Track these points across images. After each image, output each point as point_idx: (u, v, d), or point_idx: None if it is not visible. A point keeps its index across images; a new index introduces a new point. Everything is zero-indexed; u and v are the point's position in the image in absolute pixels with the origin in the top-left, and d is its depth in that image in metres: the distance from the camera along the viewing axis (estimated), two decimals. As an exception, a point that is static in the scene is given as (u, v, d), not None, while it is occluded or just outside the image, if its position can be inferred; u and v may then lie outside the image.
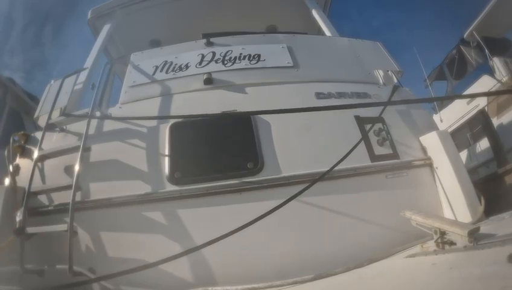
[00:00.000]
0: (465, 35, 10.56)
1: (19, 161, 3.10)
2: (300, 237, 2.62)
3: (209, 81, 3.40)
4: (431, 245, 2.12)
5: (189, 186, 2.76)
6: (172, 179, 2.82)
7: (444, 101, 10.45)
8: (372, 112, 3.05)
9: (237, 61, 3.60)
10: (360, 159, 2.86)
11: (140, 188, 2.80)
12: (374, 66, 3.77)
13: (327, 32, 4.58)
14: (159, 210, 2.73)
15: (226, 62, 3.60)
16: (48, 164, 3.06)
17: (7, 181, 2.87)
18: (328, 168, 2.51)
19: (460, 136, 8.92)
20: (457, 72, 11.06)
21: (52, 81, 3.86)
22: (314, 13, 4.97)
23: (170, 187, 2.79)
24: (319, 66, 3.67)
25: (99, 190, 2.84)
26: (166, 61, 3.72)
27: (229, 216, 2.55)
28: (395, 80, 3.71)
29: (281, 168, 2.81)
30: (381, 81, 3.64)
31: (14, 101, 6.90)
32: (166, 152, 2.96)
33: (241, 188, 2.72)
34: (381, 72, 3.71)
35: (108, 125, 3.23)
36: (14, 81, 7.27)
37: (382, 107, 3.06)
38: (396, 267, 2.13)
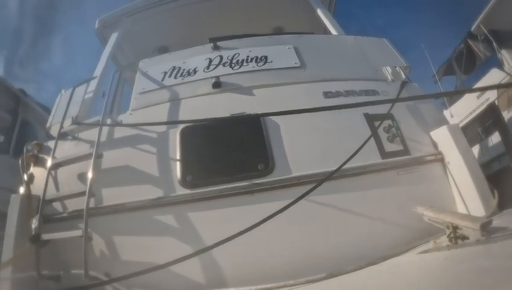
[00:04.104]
0: (472, 29, 10.38)
1: (33, 169, 3.15)
2: (311, 236, 2.62)
3: (217, 84, 3.43)
4: (444, 240, 2.11)
5: (201, 189, 2.78)
6: (184, 183, 2.84)
7: (453, 96, 10.29)
8: (381, 109, 3.03)
9: (244, 63, 3.61)
10: (370, 156, 2.85)
11: (153, 192, 2.84)
12: (382, 63, 3.76)
13: (333, 31, 4.57)
14: (172, 213, 2.76)
15: (233, 65, 3.61)
16: (62, 171, 3.11)
17: (22, 190, 2.92)
18: (337, 167, 2.52)
19: (472, 131, 8.77)
20: (466, 66, 10.86)
21: (63, 91, 3.94)
22: (320, 13, 4.97)
23: (182, 191, 2.82)
24: (326, 65, 3.66)
25: (112, 196, 2.89)
26: (174, 66, 3.76)
27: (241, 217, 2.55)
28: (403, 76, 3.68)
29: (292, 168, 2.81)
30: (389, 78, 3.63)
31: (26, 111, 7.01)
32: (178, 156, 2.99)
33: (252, 189, 2.73)
34: (389, 69, 3.71)
35: (120, 132, 3.27)
36: (25, 92, 7.38)
37: (390, 105, 3.05)
38: (409, 263, 2.13)
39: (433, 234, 2.34)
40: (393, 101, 3.08)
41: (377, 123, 2.99)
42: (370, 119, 3.03)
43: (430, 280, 1.51)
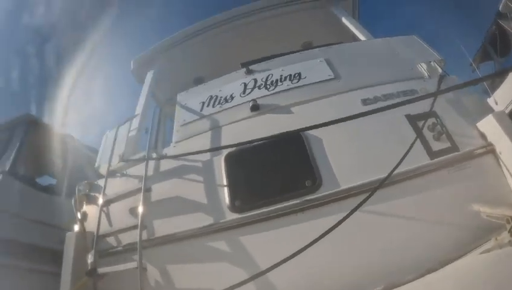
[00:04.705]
0: (500, 8, 9.86)
1: (85, 208, 3.26)
2: (366, 248, 2.51)
3: (255, 107, 3.44)
4: (505, 236, 1.98)
5: (250, 212, 2.76)
6: (233, 208, 2.84)
7: (495, 81, 9.67)
8: (422, 108, 2.89)
9: (279, 83, 3.62)
10: (418, 158, 2.70)
11: (203, 220, 2.84)
12: (416, 61, 3.61)
13: (361, 37, 4.50)
14: (223, 239, 2.75)
15: (268, 86, 3.63)
16: (113, 207, 3.22)
17: (76, 227, 3.06)
18: (387, 174, 2.42)
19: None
20: (501, 49, 10.34)
21: (108, 132, 4.12)
22: (345, 21, 4.93)
23: (232, 216, 2.81)
24: (360, 72, 3.58)
25: (163, 227, 2.93)
26: (211, 95, 3.84)
27: (293, 237, 2.50)
28: (440, 70, 3.51)
29: (339, 181, 2.73)
30: (426, 74, 3.46)
31: (75, 155, 7.44)
32: (224, 182, 2.99)
33: (302, 207, 2.66)
34: (424, 65, 3.55)
35: (166, 165, 3.35)
36: (73, 137, 7.87)
37: (432, 101, 2.90)
38: (472, 265, 2.01)
39: (493, 231, 2.19)
40: (432, 95, 2.92)
41: (420, 123, 2.86)
42: (412, 120, 2.90)
43: (501, 281, 1.41)
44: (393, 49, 3.81)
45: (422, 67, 3.54)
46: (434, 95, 2.93)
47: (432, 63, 3.58)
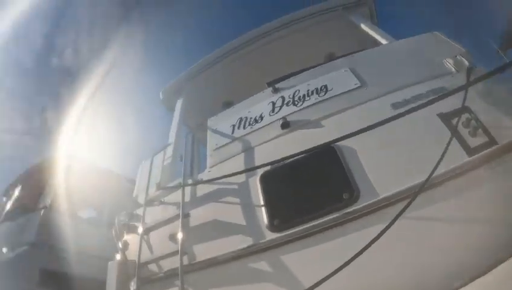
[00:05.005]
0: None
1: (126, 237, 3.33)
2: (412, 255, 2.39)
3: (285, 125, 3.43)
4: None
5: (290, 230, 2.70)
6: (272, 227, 2.80)
7: None
8: (454, 104, 2.72)
9: (306, 98, 3.60)
10: (456, 157, 2.53)
11: (243, 241, 2.83)
12: (441, 57, 3.45)
13: (382, 41, 4.42)
14: (264, 259, 2.71)
15: (296, 102, 3.62)
16: (153, 235, 3.27)
17: (118, 256, 3.14)
18: (426, 177, 2.29)
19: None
20: None
21: (143, 162, 4.24)
22: (364, 27, 4.87)
23: (271, 235, 2.76)
24: (386, 77, 3.49)
25: (204, 251, 2.94)
26: (241, 117, 3.88)
27: (335, 251, 2.43)
28: (467, 63, 3.27)
29: (377, 190, 2.63)
30: (453, 70, 3.29)
31: (113, 186, 7.81)
32: (261, 202, 2.97)
33: (342, 220, 2.58)
34: (450, 61, 3.37)
35: (202, 190, 3.38)
36: (110, 170, 8.32)
37: (463, 96, 2.69)
38: None
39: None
40: (461, 89, 2.76)
41: (454, 120, 2.70)
42: (445, 118, 2.75)
43: None
44: (417, 49, 3.71)
45: (449, 63, 3.38)
46: (464, 88, 2.70)
47: (457, 57, 3.38)
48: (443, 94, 2.63)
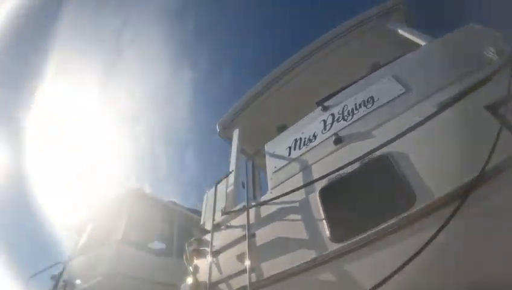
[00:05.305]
0: None
1: (196, 261, 3.58)
2: (471, 253, 2.34)
3: (338, 140, 3.56)
4: None
5: (351, 239, 2.75)
6: (334, 238, 2.88)
7: None
8: (499, 93, 2.59)
9: (355, 111, 3.70)
10: (508, 147, 2.36)
11: (307, 255, 2.92)
12: (481, 48, 3.33)
13: (421, 42, 4.35)
14: (329, 270, 2.79)
15: (346, 117, 3.74)
16: (221, 257, 3.50)
17: (190, 280, 3.38)
18: (478, 173, 2.24)
19: None
20: None
21: (207, 191, 4.52)
22: (401, 32, 4.84)
23: (334, 246, 2.84)
24: (429, 78, 3.46)
25: (270, 267, 3.07)
26: (295, 139, 4.07)
27: (396, 256, 2.39)
28: (508, 50, 3.15)
29: (433, 190, 2.60)
30: (495, 58, 3.17)
31: (180, 217, 8.24)
32: (322, 216, 3.08)
33: (400, 225, 2.59)
34: (491, 49, 3.27)
35: (265, 211, 3.56)
36: (176, 203, 8.78)
37: (508, 85, 2.55)
38: None
39: None
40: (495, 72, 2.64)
41: (501, 110, 2.57)
42: (493, 109, 2.62)
43: None
44: (456, 44, 3.63)
45: (490, 52, 3.28)
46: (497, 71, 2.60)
47: (498, 43, 3.31)
48: (481, 81, 2.63)
